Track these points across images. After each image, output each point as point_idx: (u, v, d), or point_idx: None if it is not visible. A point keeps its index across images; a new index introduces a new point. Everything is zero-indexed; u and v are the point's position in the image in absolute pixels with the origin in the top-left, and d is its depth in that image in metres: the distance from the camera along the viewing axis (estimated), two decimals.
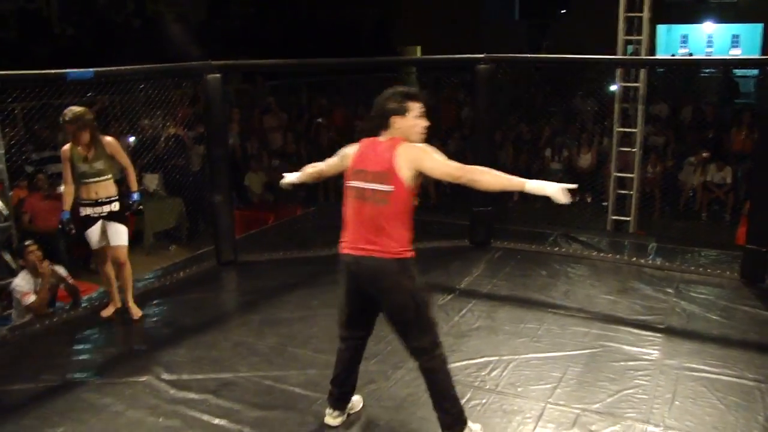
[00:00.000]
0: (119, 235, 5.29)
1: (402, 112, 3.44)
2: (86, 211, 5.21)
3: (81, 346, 5.02)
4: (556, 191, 3.26)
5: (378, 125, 3.48)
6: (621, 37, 7.76)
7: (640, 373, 4.43)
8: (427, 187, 10.21)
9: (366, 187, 3.41)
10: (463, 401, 4.04)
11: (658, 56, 18.32)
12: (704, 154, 9.58)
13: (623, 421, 3.88)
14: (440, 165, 3.34)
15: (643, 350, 4.76)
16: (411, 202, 3.40)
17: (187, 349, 4.88)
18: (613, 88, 8.25)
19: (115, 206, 5.26)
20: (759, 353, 4.71)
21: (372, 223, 3.39)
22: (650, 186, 9.40)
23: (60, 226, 5.41)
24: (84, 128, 5.07)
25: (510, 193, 10.07)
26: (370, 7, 21.99)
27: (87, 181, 5.15)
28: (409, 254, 3.41)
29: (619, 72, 7.93)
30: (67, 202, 5.23)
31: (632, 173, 7.94)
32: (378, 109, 3.49)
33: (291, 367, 4.56)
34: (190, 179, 9.33)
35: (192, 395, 4.22)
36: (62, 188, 5.34)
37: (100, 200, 5.20)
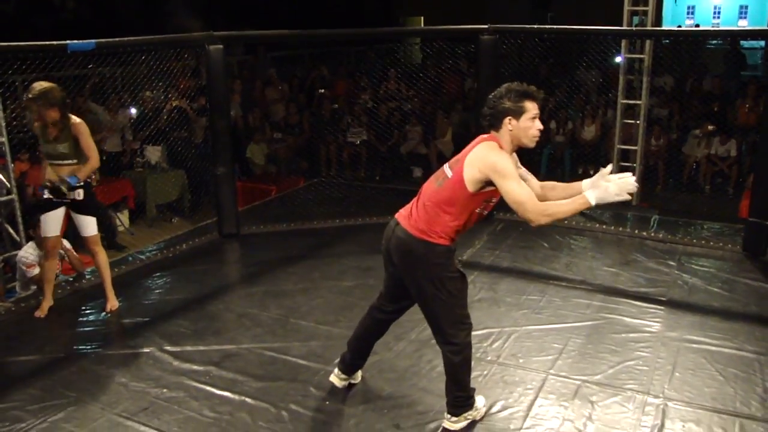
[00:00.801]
0: (87, 226, 4.99)
1: (518, 113, 3.19)
2: (48, 194, 4.88)
3: (85, 318, 5.05)
4: (622, 192, 3.05)
5: (489, 124, 3.27)
6: (626, 8, 7.65)
7: (641, 344, 4.46)
8: (429, 156, 10.18)
9: (443, 168, 3.35)
10: None
11: (664, 27, 18.12)
12: (710, 127, 9.50)
13: (624, 392, 3.91)
14: (511, 192, 3.08)
15: (645, 322, 4.78)
16: (467, 199, 3.19)
17: (189, 321, 4.91)
18: (618, 59, 8.16)
19: (79, 194, 4.86)
20: (760, 326, 4.73)
21: (422, 199, 3.32)
22: (654, 158, 9.35)
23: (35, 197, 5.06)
24: (50, 106, 4.65)
25: None
26: None
27: (51, 162, 4.87)
28: (440, 241, 3.24)
29: (624, 43, 7.85)
30: (44, 176, 4.95)
31: (636, 145, 7.90)
32: (491, 107, 3.25)
33: (293, 339, 4.59)
34: (192, 151, 9.31)
35: (195, 366, 4.26)
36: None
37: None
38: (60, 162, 4.85)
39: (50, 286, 5.12)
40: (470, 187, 3.17)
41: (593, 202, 3.08)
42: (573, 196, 3.22)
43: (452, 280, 3.32)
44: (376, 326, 3.77)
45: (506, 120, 3.20)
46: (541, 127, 3.25)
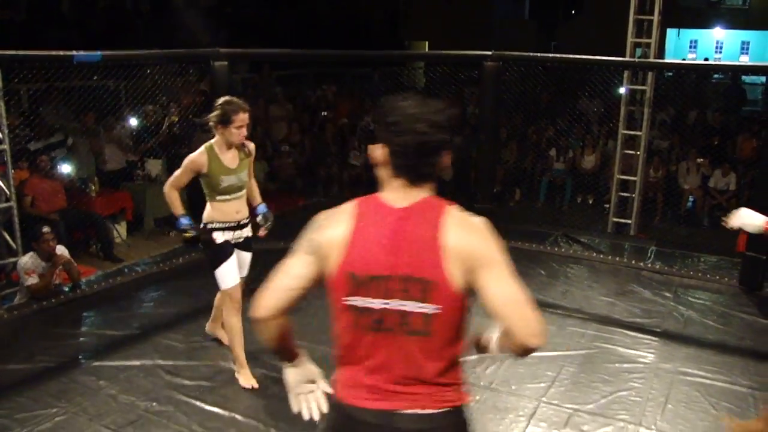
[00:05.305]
0: (248, 265, 4.35)
1: (447, 146, 2.01)
2: (225, 236, 4.11)
3: (78, 329, 5.04)
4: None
5: (412, 168, 1.99)
6: (630, 39, 7.73)
7: (634, 375, 4.44)
8: None
9: (387, 307, 1.99)
10: None
11: (667, 59, 18.27)
12: (699, 160, 9.56)
13: (615, 423, 3.89)
14: (518, 294, 2.04)
15: (639, 353, 4.77)
16: (467, 320, 2.06)
17: (183, 336, 4.90)
18: (621, 90, 8.22)
19: (250, 229, 4.27)
20: (754, 360, 4.72)
21: (406, 364, 2.01)
22: (653, 190, 9.38)
23: (187, 241, 4.21)
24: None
25: (512, 191, 10.09)
26: (380, 1, 22.00)
27: (231, 197, 4.06)
28: (467, 398, 2.18)
29: (626, 74, 7.91)
30: (178, 206, 4.19)
31: (635, 176, 7.93)
32: (418, 136, 1.94)
33: None
34: None
35: (186, 381, 4.24)
36: (167, 187, 4.29)
37: (242, 222, 4.17)
38: (240, 194, 4.12)
39: (241, 349, 4.26)
40: (465, 302, 2.05)
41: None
42: None
43: None
44: None
45: (440, 157, 2.03)
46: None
